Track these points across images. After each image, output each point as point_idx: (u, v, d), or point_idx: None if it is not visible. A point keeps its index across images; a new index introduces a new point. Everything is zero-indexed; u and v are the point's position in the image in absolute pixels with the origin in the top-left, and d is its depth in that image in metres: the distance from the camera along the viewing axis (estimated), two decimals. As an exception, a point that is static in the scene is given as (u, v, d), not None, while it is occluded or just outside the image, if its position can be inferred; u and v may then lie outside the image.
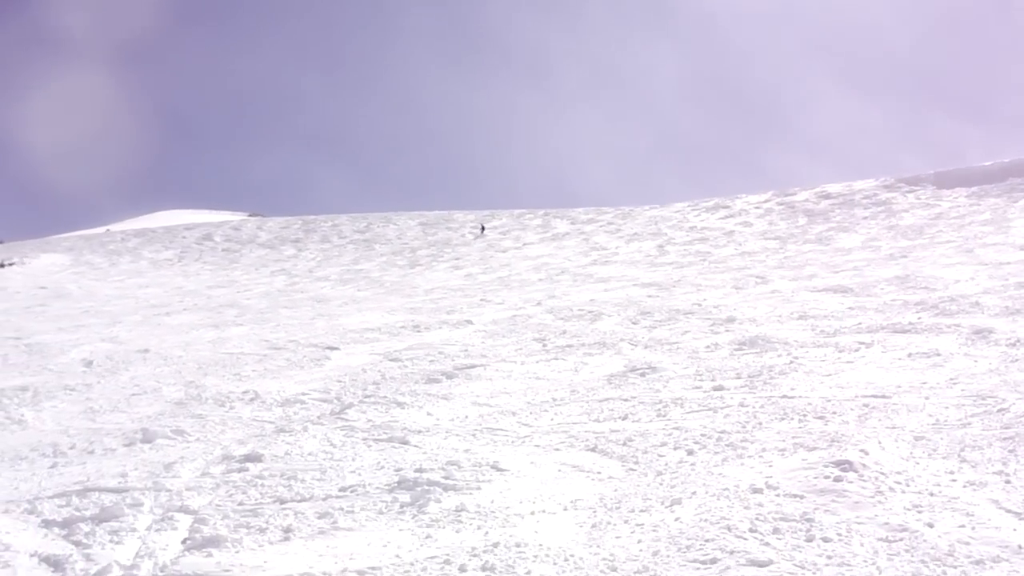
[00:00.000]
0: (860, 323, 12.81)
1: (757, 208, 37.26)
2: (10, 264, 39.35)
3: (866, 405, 8.19)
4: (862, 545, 5.01)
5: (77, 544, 6.08)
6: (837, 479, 6.10)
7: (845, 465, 6.33)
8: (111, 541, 6.08)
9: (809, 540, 5.14)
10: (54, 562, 5.78)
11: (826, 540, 5.11)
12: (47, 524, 6.55)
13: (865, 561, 4.80)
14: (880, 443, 6.87)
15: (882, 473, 6.19)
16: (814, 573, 4.69)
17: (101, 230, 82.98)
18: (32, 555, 5.94)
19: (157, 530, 6.22)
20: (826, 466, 6.40)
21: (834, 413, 8.00)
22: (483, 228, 42.43)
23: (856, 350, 10.90)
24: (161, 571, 5.38)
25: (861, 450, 6.67)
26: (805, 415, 8.03)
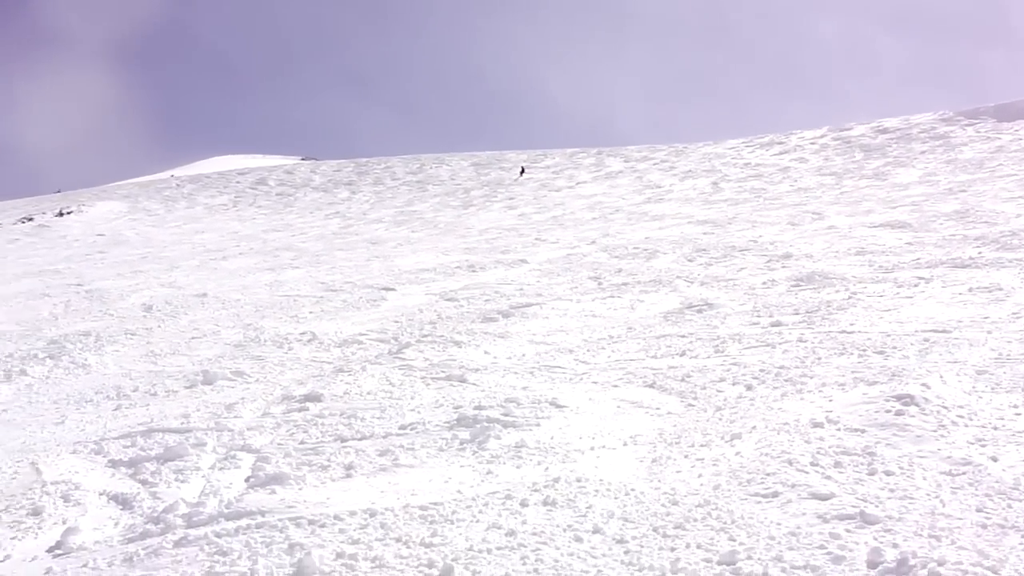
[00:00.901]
0: (919, 258, 12.66)
1: (812, 144, 36.81)
2: (68, 212, 39.75)
3: (926, 340, 8.11)
4: (924, 479, 4.98)
5: (144, 483, 6.19)
6: (899, 413, 6.05)
7: (906, 399, 6.29)
8: (176, 480, 6.19)
9: (871, 474, 5.12)
10: (122, 500, 5.89)
11: (888, 473, 5.08)
12: (114, 464, 6.67)
13: (928, 494, 4.77)
14: (942, 377, 6.80)
15: (944, 407, 6.14)
16: (876, 506, 4.67)
17: (164, 175, 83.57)
18: (101, 494, 6.06)
19: (221, 469, 6.32)
20: (887, 400, 6.35)
21: (894, 348, 7.93)
22: (523, 170, 42.10)
23: (915, 285, 10.79)
24: (227, 508, 5.46)
25: (923, 384, 6.61)
26: (865, 350, 7.96)
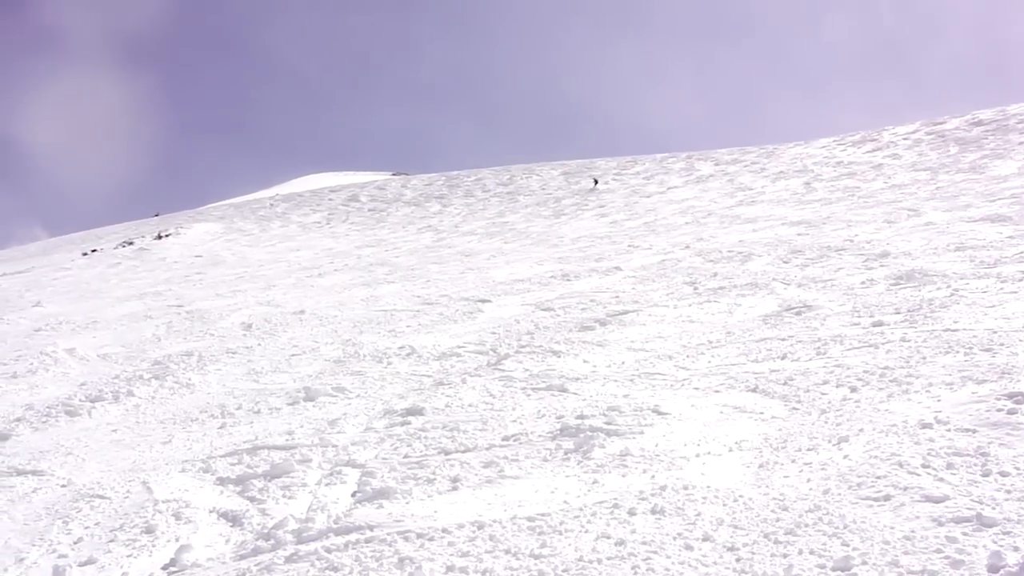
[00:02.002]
0: (1022, 252, 12.39)
1: (905, 139, 36.22)
2: (166, 235, 40.48)
3: (1035, 335, 7.94)
4: (1042, 478, 4.89)
5: (252, 500, 6.29)
6: (1011, 412, 5.93)
7: (1018, 397, 6.15)
8: (284, 496, 6.28)
9: (985, 475, 5.02)
10: (232, 517, 5.99)
11: (1003, 474, 4.98)
12: (222, 481, 6.79)
13: (1046, 494, 4.68)
14: (1053, 373, 6.67)
15: (1058, 403, 6.01)
16: (993, 508, 4.59)
17: (259, 195, 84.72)
18: (211, 511, 6.17)
19: (327, 484, 6.40)
20: (998, 399, 6.23)
21: (1002, 345, 7.76)
22: (596, 182, 41.85)
23: (1020, 280, 10.55)
24: (335, 523, 5.53)
25: (1034, 381, 6.49)
26: (971, 348, 7.81)
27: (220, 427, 8.62)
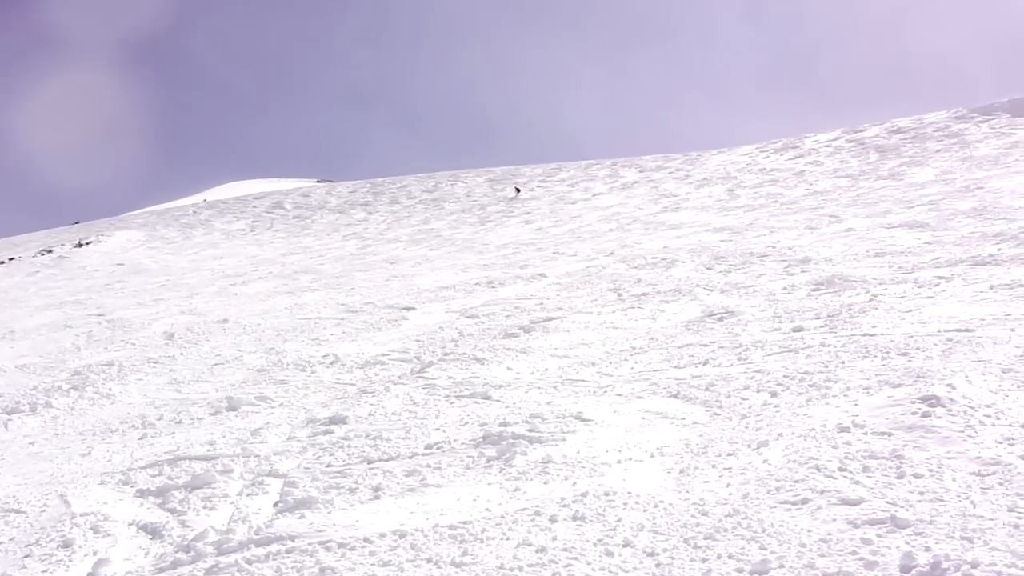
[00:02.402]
0: (939, 257, 12.61)
1: (827, 147, 36.70)
2: (87, 243, 39.94)
3: (950, 340, 8.06)
4: (954, 480, 4.96)
5: (172, 511, 6.22)
6: (925, 415, 6.03)
7: (932, 400, 6.26)
8: (205, 507, 6.21)
9: (900, 477, 5.10)
10: (152, 530, 5.92)
11: (917, 476, 5.07)
12: (142, 493, 6.70)
13: (958, 496, 4.76)
14: (967, 377, 6.77)
15: (971, 407, 6.11)
16: (907, 509, 4.66)
17: (192, 199, 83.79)
18: (130, 524, 6.09)
19: (249, 495, 6.34)
20: (913, 402, 6.33)
21: (918, 349, 7.89)
22: (518, 190, 41.94)
23: (936, 285, 10.74)
24: (256, 534, 5.48)
25: (948, 385, 6.59)
26: (888, 352, 7.93)
27: (141, 438, 8.51)
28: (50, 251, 38.40)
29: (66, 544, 5.81)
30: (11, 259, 37.38)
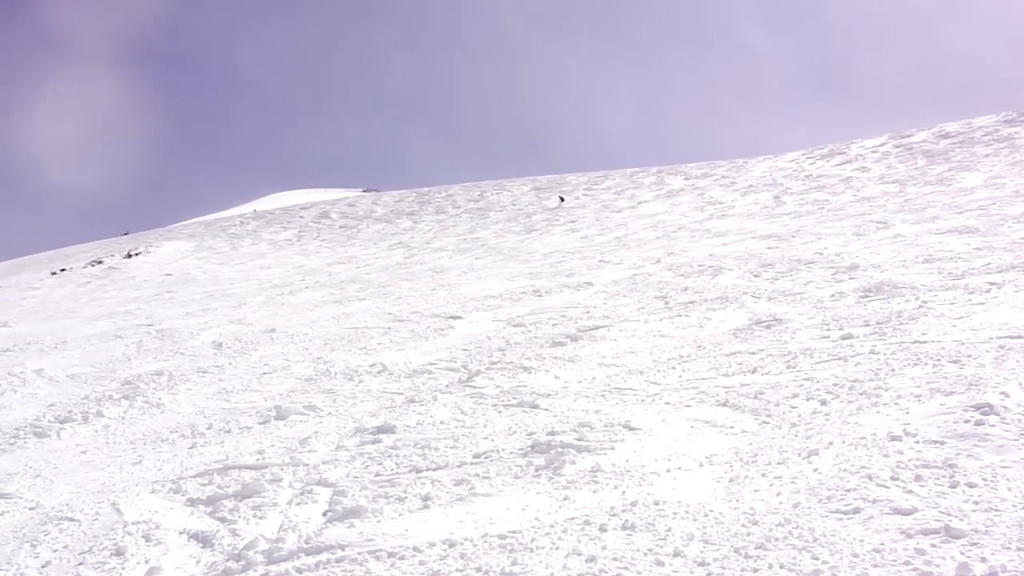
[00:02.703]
0: (989, 263, 12.48)
1: (873, 152, 36.45)
2: (136, 254, 40.32)
3: (1002, 347, 7.97)
4: (1009, 489, 4.91)
5: (222, 520, 6.25)
6: (978, 423, 5.97)
7: (985, 408, 6.19)
8: (255, 516, 6.24)
9: (953, 486, 5.05)
10: (202, 538, 5.95)
11: (971, 486, 5.02)
12: (192, 502, 6.74)
13: (1014, 506, 4.70)
14: (1020, 384, 6.69)
15: (1025, 415, 6.05)
16: (961, 519, 4.61)
17: (240, 210, 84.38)
18: (181, 532, 6.13)
19: (298, 504, 6.37)
20: (965, 410, 6.26)
21: (969, 356, 7.81)
22: (562, 199, 41.89)
23: (987, 291, 10.63)
24: (306, 543, 5.50)
25: (1001, 392, 6.51)
26: (939, 360, 7.86)
27: (190, 447, 8.57)
28: (100, 262, 38.81)
29: (118, 552, 5.86)
30: (62, 270, 37.81)
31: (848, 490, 5.21)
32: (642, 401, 8.08)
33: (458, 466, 6.75)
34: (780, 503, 5.20)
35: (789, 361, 8.76)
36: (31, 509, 7.06)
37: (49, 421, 10.03)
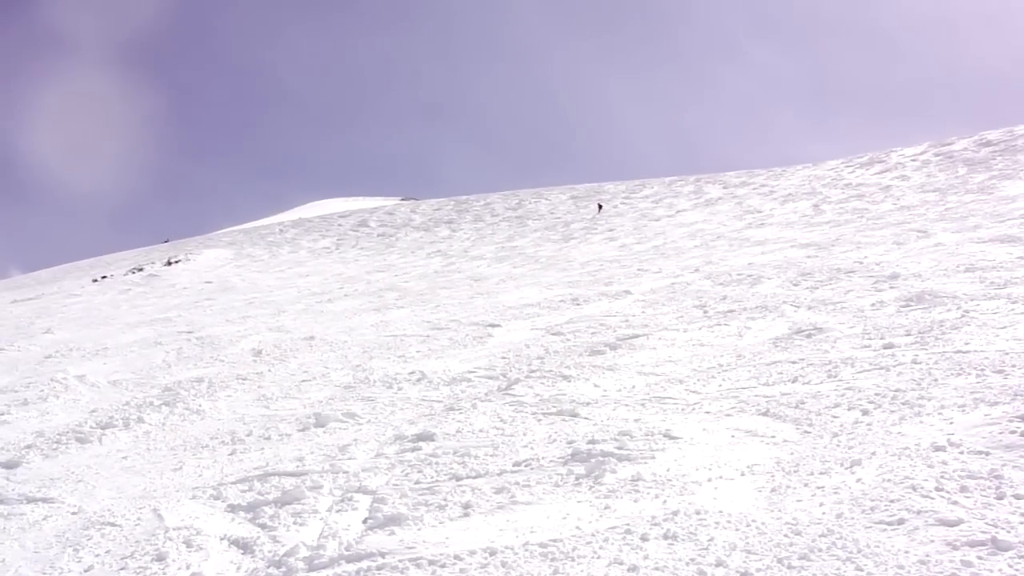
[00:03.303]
0: (1032, 272, 12.38)
1: (913, 160, 36.25)
2: (176, 261, 40.60)
3: (1047, 357, 7.91)
4: (1056, 500, 4.86)
5: (263, 527, 6.27)
6: (1024, 434, 5.92)
7: (1031, 419, 6.14)
8: (295, 523, 6.26)
9: (999, 497, 4.99)
10: (243, 544, 5.98)
11: (1018, 497, 4.95)
12: (233, 509, 6.77)
13: (1061, 517, 4.65)
14: (1066, 394, 6.64)
15: (1071, 425, 5.98)
16: (1008, 531, 4.56)
17: (279, 218, 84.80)
18: (222, 538, 6.15)
19: (338, 511, 6.38)
20: (1011, 421, 6.20)
21: (1013, 366, 7.73)
22: (600, 207, 41.83)
23: (1031, 300, 10.54)
24: (346, 551, 5.51)
25: (1047, 403, 6.46)
26: (983, 369, 7.78)
27: (230, 453, 8.61)
28: (141, 269, 39.13)
29: (160, 558, 5.89)
30: (103, 277, 38.14)
31: (892, 501, 5.16)
32: (682, 410, 8.05)
33: (498, 474, 6.75)
34: (823, 513, 5.16)
35: (830, 370, 8.71)
36: (74, 514, 7.11)
37: (91, 427, 10.10)
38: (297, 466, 7.66)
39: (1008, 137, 36.17)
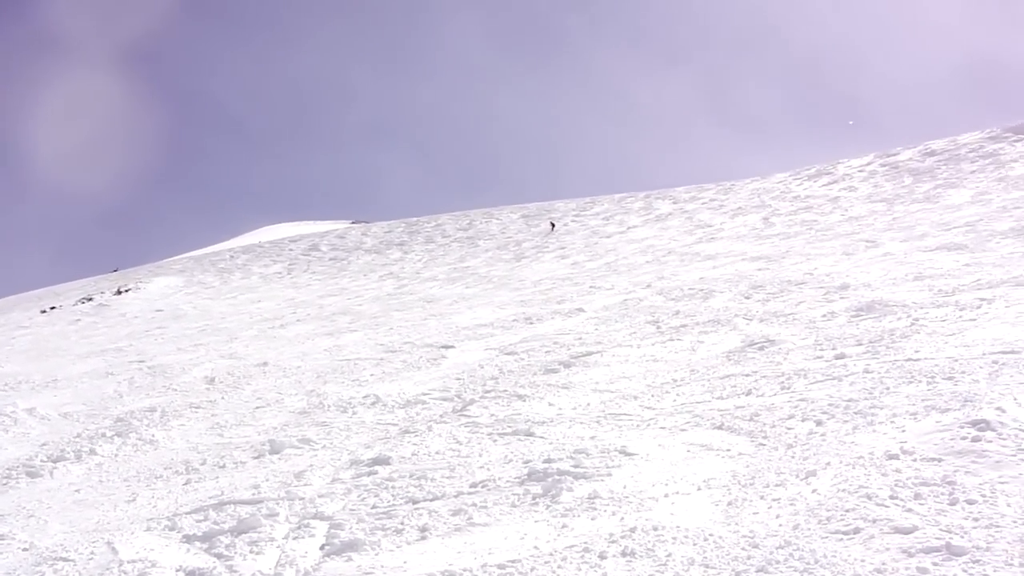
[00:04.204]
0: (979, 279, 12.52)
1: (860, 171, 36.57)
2: (126, 290, 40.24)
3: (995, 362, 7.99)
4: (1009, 505, 4.90)
5: (219, 556, 6.21)
6: (975, 439, 5.96)
7: (982, 424, 6.19)
8: (251, 552, 6.20)
9: (953, 503, 5.04)
10: (199, 575, 5.91)
11: (970, 502, 5.01)
12: (188, 539, 6.70)
13: (1014, 521, 4.69)
14: (1016, 399, 6.69)
15: (1021, 430, 6.03)
16: (962, 536, 4.60)
17: (229, 244, 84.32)
18: (178, 570, 6.08)
19: (295, 538, 6.33)
20: (962, 427, 6.26)
21: (963, 372, 7.82)
22: (553, 225, 41.93)
23: (978, 307, 10.65)
24: (304, 578, 5.47)
25: (997, 408, 6.51)
26: (933, 377, 7.86)
27: (185, 483, 8.53)
28: (90, 299, 38.73)
29: (115, 592, 5.82)
30: (52, 308, 37.73)
31: (847, 510, 5.19)
32: (637, 426, 8.06)
33: (455, 496, 6.73)
34: (780, 525, 5.18)
35: (783, 382, 8.76)
36: (25, 550, 7.00)
37: (42, 460, 9.97)
38: (252, 494, 7.60)
39: (951, 147, 36.60)
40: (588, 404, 9.32)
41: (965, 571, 4.25)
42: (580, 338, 13.55)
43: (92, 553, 6.68)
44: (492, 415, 9.40)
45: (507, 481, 6.89)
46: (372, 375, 13.02)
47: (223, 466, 8.98)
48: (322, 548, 6.02)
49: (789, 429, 7.16)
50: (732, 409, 8.08)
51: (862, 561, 4.53)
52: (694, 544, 5.10)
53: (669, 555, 5.00)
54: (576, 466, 6.93)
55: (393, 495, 6.97)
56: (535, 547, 5.45)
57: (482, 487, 6.84)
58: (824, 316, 11.95)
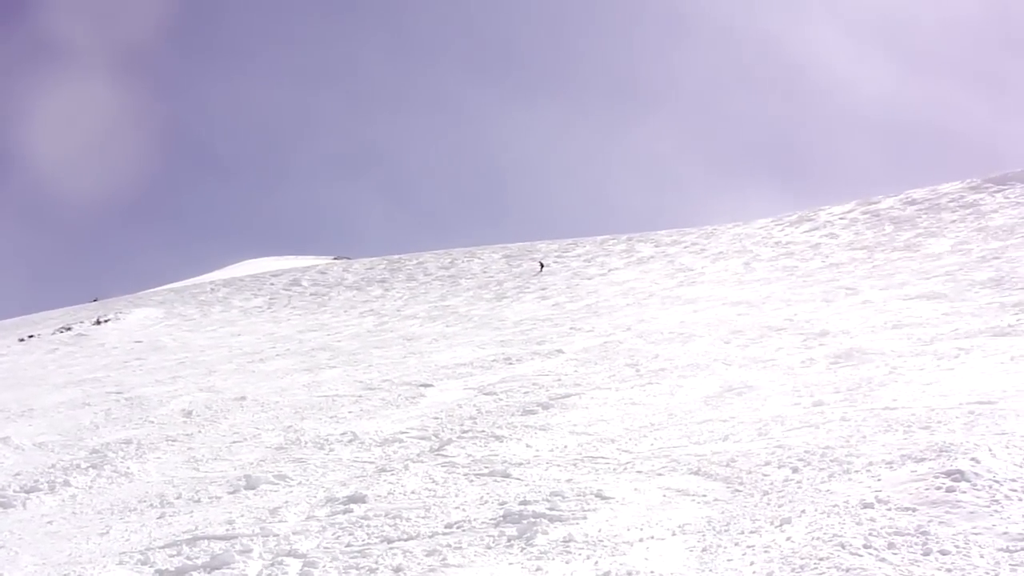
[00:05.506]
0: (957, 329, 12.58)
1: (842, 219, 36.72)
2: (106, 320, 40.07)
3: (972, 412, 8.02)
4: (982, 556, 4.91)
5: (191, 592, 6.18)
6: (949, 489, 5.98)
7: (956, 475, 6.21)
8: (224, 588, 6.17)
9: (926, 554, 5.05)
10: (171, 612, 5.87)
11: (944, 553, 5.01)
12: (161, 574, 6.68)
13: (987, 572, 4.71)
14: (991, 450, 6.72)
15: (996, 481, 6.06)
16: (935, 587, 4.61)
17: (210, 277, 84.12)
18: (149, 606, 6.05)
19: (268, 575, 6.29)
20: (937, 477, 6.28)
21: (939, 422, 7.84)
22: (542, 265, 41.95)
23: (956, 356, 10.71)
24: (276, 616, 5.44)
25: (972, 459, 6.53)
26: (910, 426, 7.88)
27: (159, 517, 8.49)
28: (69, 328, 38.54)
29: (85, 628, 5.78)
30: (30, 336, 37.53)
31: (821, 559, 5.19)
32: (614, 470, 8.06)
33: (430, 536, 6.71)
34: (753, 572, 5.18)
35: (761, 428, 8.77)
36: (-5, 583, 6.96)
37: (15, 491, 9.92)
38: (227, 529, 7.57)
39: (932, 196, 36.81)
40: (565, 446, 9.31)
41: (937, 622, 4.25)
42: (559, 379, 13.55)
43: (63, 587, 6.64)
44: (469, 455, 9.39)
45: (482, 522, 6.88)
46: (350, 412, 12.99)
47: (198, 500, 8.94)
48: (295, 586, 6.00)
49: (765, 475, 7.16)
50: (709, 454, 8.08)
51: (835, 610, 4.53)
52: (667, 590, 5.09)
53: (642, 600, 4.99)
54: (552, 508, 6.92)
55: (368, 534, 6.94)
56: (509, 590, 5.43)
57: (457, 528, 6.83)
58: (803, 363, 11.98)
